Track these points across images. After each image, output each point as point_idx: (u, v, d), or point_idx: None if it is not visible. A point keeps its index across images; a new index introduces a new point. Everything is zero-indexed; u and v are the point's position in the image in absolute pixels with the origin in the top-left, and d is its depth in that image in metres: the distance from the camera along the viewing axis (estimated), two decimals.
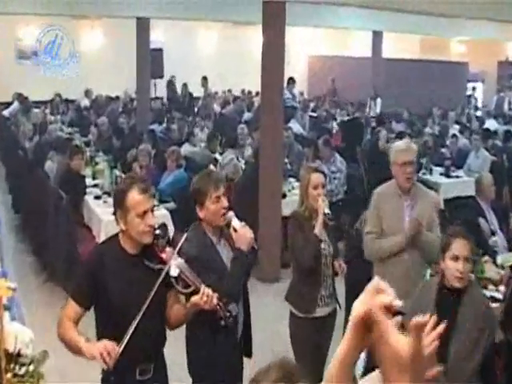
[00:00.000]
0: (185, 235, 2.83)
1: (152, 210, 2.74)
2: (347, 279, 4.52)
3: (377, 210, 4.02)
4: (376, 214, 4.02)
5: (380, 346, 0.99)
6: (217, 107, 15.20)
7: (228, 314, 2.89)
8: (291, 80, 11.65)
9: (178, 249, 2.76)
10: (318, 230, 3.79)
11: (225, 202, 3.15)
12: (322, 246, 3.87)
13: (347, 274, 4.05)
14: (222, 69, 17.50)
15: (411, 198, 3.99)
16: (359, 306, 1.02)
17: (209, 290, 2.75)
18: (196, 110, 15.12)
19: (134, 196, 2.69)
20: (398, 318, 1.00)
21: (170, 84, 16.00)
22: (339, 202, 7.70)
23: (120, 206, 2.72)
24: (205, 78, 15.06)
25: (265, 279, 6.81)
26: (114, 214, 2.77)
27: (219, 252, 3.18)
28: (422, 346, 0.96)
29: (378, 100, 16.04)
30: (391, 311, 1.01)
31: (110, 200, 6.64)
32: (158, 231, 2.74)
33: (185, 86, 15.82)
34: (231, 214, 3.15)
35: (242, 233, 3.09)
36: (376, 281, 1.06)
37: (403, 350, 0.95)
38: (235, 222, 3.12)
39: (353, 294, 1.24)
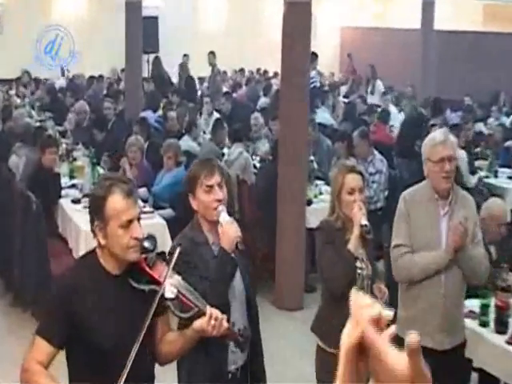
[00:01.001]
0: (178, 249, 2.85)
1: (138, 219, 2.75)
2: (389, 306, 4.54)
3: (406, 218, 4.02)
4: (405, 223, 4.02)
5: (376, 367, 1.06)
6: (225, 91, 15.27)
7: (240, 339, 2.93)
8: (313, 55, 11.54)
9: (172, 264, 2.77)
10: (353, 245, 3.81)
11: (219, 194, 3.28)
12: (358, 265, 3.89)
13: (389, 300, 4.06)
14: (231, 43, 17.58)
15: (449, 205, 3.97)
16: (349, 334, 1.10)
17: (217, 312, 2.77)
18: (199, 94, 15.19)
19: (116, 202, 2.68)
20: (392, 330, 1.06)
21: (156, 61, 15.99)
22: (379, 210, 7.71)
23: (97, 216, 2.71)
24: (212, 53, 15.06)
25: (285, 306, 6.83)
26: (91, 224, 2.77)
27: (214, 253, 3.30)
28: (421, 363, 1.03)
29: (378, 83, 15.79)
30: (381, 324, 1.08)
31: None
32: (145, 244, 2.74)
33: (184, 64, 15.91)
34: (222, 207, 3.31)
35: (226, 229, 3.24)
36: (354, 296, 1.13)
37: (401, 368, 1.03)
38: (222, 217, 3.29)
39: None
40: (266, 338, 3.49)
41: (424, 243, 3.94)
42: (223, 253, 3.23)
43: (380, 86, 15.60)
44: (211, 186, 3.27)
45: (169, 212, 7.20)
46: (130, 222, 2.69)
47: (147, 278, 2.76)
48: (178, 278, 2.79)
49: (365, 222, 3.79)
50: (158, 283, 2.73)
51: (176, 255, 2.81)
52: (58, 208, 7.28)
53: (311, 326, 4.09)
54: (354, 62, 18.88)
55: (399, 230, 4.03)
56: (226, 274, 3.26)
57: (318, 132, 9.23)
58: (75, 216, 6.69)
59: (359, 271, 3.89)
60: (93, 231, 2.76)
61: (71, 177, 8.04)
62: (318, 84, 12.02)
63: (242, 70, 17.60)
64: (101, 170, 7.41)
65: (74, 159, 8.62)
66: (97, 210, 2.71)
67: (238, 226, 3.31)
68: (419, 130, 10.21)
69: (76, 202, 7.06)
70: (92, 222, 2.75)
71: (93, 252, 2.82)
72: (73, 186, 7.72)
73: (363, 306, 1.11)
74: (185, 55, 16.32)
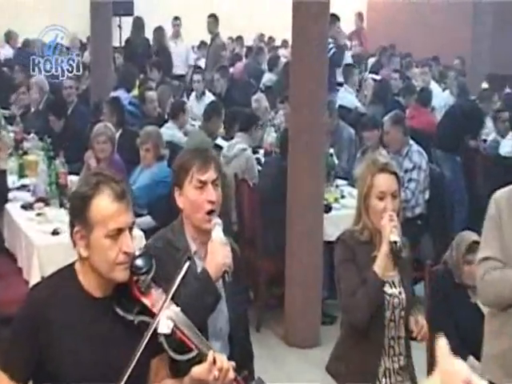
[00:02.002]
0: (186, 265, 2.88)
1: (130, 229, 2.79)
2: (430, 344, 4.53)
3: (497, 226, 3.99)
4: (497, 231, 3.94)
5: None
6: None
7: None
8: (334, 17, 11.46)
9: (173, 291, 2.79)
10: (380, 266, 3.82)
11: (212, 194, 3.33)
12: (388, 290, 3.89)
13: (430, 337, 4.06)
14: (227, 3, 17.57)
15: None
16: None
17: (222, 360, 2.75)
18: (186, 70, 15.18)
19: (103, 205, 2.72)
20: None
21: (136, 22, 15.85)
22: (418, 218, 7.71)
23: (79, 219, 2.75)
24: (214, 18, 14.82)
25: (297, 343, 6.84)
26: (70, 230, 2.80)
27: (196, 266, 3.32)
28: None
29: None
30: None
31: (48, 212, 6.73)
32: (138, 262, 2.78)
33: (159, 30, 15.82)
34: (218, 220, 3.34)
35: (215, 250, 3.27)
36: (443, 351, 1.10)
37: None
38: (216, 234, 3.33)
39: None
40: (275, 382, 3.50)
41: None
42: (206, 278, 3.23)
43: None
44: (204, 183, 3.32)
45: (147, 220, 7.17)
46: (120, 231, 2.73)
47: (139, 307, 2.78)
48: (176, 309, 2.81)
49: (395, 238, 3.78)
50: (152, 314, 2.75)
51: (179, 278, 2.82)
52: (4, 215, 7.25)
53: (327, 365, 4.11)
54: (386, 29, 18.85)
55: (489, 239, 3.94)
56: (207, 305, 3.25)
57: (338, 118, 9.21)
58: (26, 226, 6.66)
59: (388, 298, 3.89)
60: (72, 240, 2.79)
61: (21, 175, 8.03)
62: (336, 51, 11.84)
63: (239, 38, 17.47)
64: (59, 167, 7.35)
65: (25, 152, 8.61)
66: (78, 213, 2.75)
67: (230, 252, 3.31)
68: (472, 124, 10.17)
69: (27, 207, 7.02)
70: (72, 226, 2.78)
71: (71, 266, 2.85)
72: (23, 186, 7.70)
73: (454, 367, 1.09)
74: (176, 18, 16.07)
